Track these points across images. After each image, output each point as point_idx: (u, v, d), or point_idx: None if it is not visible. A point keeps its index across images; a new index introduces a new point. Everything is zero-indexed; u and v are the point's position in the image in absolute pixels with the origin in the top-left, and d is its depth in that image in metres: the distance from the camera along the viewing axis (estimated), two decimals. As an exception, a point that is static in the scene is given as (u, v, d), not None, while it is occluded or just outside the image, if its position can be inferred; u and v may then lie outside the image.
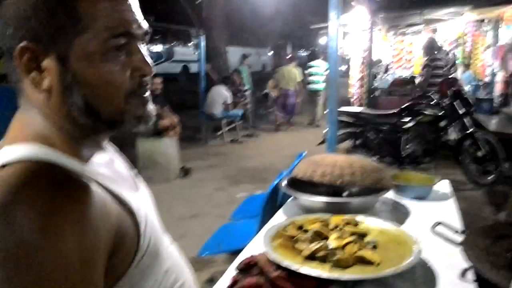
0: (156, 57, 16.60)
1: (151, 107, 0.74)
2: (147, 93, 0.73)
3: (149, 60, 0.70)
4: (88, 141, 0.71)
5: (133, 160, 5.54)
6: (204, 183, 5.27)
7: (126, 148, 5.91)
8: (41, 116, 0.68)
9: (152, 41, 16.59)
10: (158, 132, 5.35)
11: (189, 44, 18.45)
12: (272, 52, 26.89)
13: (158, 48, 16.86)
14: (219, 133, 8.06)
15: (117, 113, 0.69)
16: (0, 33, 0.65)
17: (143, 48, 0.71)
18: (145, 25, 0.71)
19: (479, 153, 4.54)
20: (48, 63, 0.64)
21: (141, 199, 0.78)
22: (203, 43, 8.20)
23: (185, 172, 5.58)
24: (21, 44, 0.63)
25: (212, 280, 1.14)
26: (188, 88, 13.94)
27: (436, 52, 5.84)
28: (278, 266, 1.06)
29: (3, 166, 0.60)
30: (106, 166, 0.74)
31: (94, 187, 0.62)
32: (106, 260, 0.61)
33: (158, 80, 5.60)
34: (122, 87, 0.67)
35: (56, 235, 0.54)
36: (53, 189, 0.57)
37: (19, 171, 0.58)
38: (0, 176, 0.58)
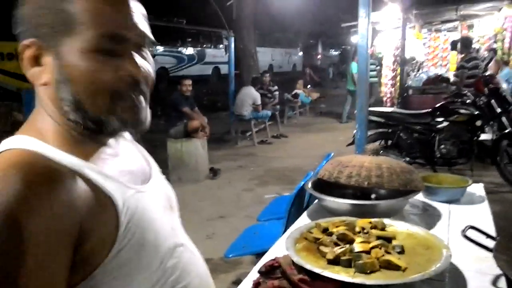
0: (188, 59, 16.86)
1: (144, 113, 0.75)
2: (141, 99, 0.74)
3: (143, 64, 0.73)
4: (85, 136, 0.74)
5: (163, 160, 5.66)
6: (233, 183, 5.30)
7: (157, 148, 6.04)
8: (43, 112, 0.74)
9: (184, 43, 16.86)
10: (188, 133, 5.42)
11: (220, 46, 18.62)
12: (301, 52, 26.74)
13: (189, 50, 17.10)
14: (248, 134, 8.08)
15: (102, 112, 0.72)
16: (16, 27, 0.71)
17: (141, 53, 0.74)
18: (146, 32, 0.74)
19: (518, 154, 4.35)
20: (46, 59, 0.70)
21: (146, 191, 0.78)
22: (232, 45, 8.25)
23: (214, 172, 5.63)
24: (24, 42, 0.69)
25: (238, 282, 1.13)
26: (219, 90, 14.08)
27: (471, 51, 5.64)
28: (301, 269, 1.04)
29: None
30: (103, 158, 0.76)
31: (68, 178, 0.65)
32: (71, 248, 0.63)
33: (189, 81, 5.67)
34: (107, 87, 0.70)
35: (12, 216, 0.57)
36: (20, 175, 0.60)
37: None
38: None
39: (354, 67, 9.34)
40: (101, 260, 0.67)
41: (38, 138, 0.69)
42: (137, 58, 0.72)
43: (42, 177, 0.62)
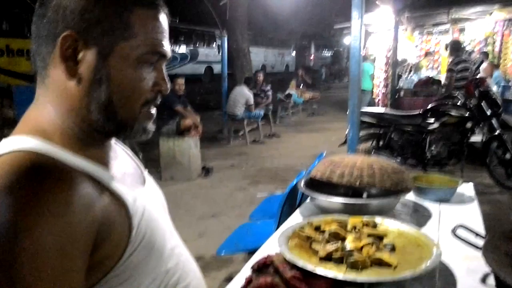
0: (181, 58, 16.80)
1: (152, 124, 0.79)
2: (154, 110, 0.78)
3: (168, 80, 0.78)
4: (91, 139, 0.73)
5: (155, 159, 5.64)
6: (225, 182, 5.30)
7: (149, 147, 6.02)
8: (50, 110, 0.71)
9: (176, 42, 16.79)
10: (181, 132, 5.40)
11: (213, 45, 18.57)
12: (294, 52, 26.77)
13: (182, 49, 17.03)
14: (241, 133, 8.09)
15: (130, 118, 0.73)
16: (49, 16, 0.68)
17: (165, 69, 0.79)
18: (170, 52, 0.79)
19: (507, 156, 4.41)
20: (86, 55, 0.69)
21: (144, 194, 0.78)
22: (225, 44, 8.25)
23: (207, 171, 5.62)
24: (68, 32, 0.67)
25: (230, 279, 1.14)
26: (211, 89, 14.07)
27: (461, 54, 5.70)
28: (293, 266, 1.05)
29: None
30: (108, 161, 0.76)
31: (81, 180, 0.63)
32: (88, 250, 0.61)
33: (181, 80, 5.65)
34: (143, 95, 0.74)
35: (30, 222, 0.55)
36: (35, 178, 0.58)
37: (7, 160, 0.61)
38: None
39: (369, 67, 9.30)
40: (115, 263, 0.66)
41: (44, 139, 0.67)
42: (165, 72, 0.77)
43: (57, 181, 0.60)
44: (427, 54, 9.71)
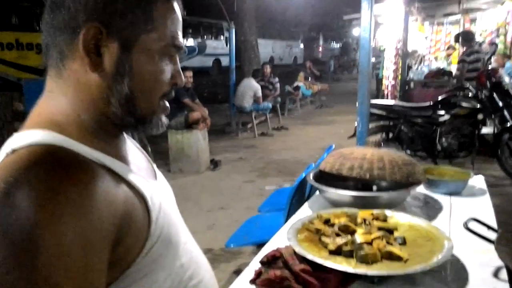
0: (188, 51, 16.75)
1: (166, 117, 0.79)
2: (168, 103, 0.78)
3: (181, 73, 0.78)
4: (107, 132, 0.72)
5: (164, 152, 5.66)
6: (233, 175, 5.30)
7: (157, 140, 6.04)
8: (64, 103, 0.69)
9: (184, 35, 16.68)
10: (189, 125, 5.41)
11: (221, 38, 18.51)
12: (303, 44, 26.63)
13: (190, 41, 16.99)
14: (249, 126, 8.08)
15: (150, 111, 0.73)
16: (69, 6, 0.66)
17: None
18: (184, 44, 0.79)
19: (519, 148, 4.34)
20: (110, 48, 0.67)
21: (158, 188, 0.78)
22: (233, 36, 8.22)
23: (215, 164, 5.63)
24: (92, 24, 0.65)
25: (239, 272, 1.14)
26: (219, 82, 14.06)
27: (473, 45, 5.62)
28: (303, 259, 1.04)
29: (14, 151, 0.61)
30: (123, 155, 0.75)
31: (102, 173, 0.62)
32: (110, 246, 0.60)
33: (189, 73, 5.64)
34: (163, 87, 0.74)
35: (55, 217, 0.53)
36: (57, 172, 0.57)
37: (25, 154, 0.59)
38: (8, 161, 0.60)
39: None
40: (135, 259, 0.65)
41: (60, 132, 0.65)
42: (179, 64, 0.77)
43: (78, 175, 0.58)
44: (449, 47, 9.60)
